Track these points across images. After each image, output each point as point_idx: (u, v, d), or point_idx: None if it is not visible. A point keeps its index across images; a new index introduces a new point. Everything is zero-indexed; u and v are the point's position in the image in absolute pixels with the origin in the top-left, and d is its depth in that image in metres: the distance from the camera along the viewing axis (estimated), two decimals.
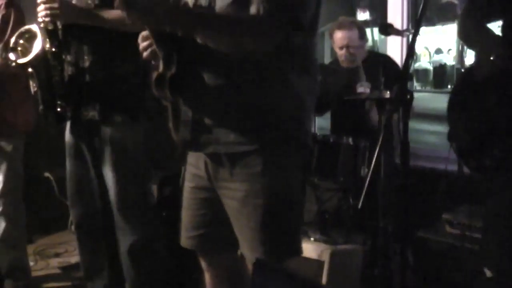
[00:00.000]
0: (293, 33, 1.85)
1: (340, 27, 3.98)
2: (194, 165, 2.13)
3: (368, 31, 4.25)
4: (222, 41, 1.85)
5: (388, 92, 3.11)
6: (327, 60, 7.99)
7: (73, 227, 3.28)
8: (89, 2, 2.73)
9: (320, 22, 2.01)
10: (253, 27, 1.83)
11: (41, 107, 2.74)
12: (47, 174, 4.39)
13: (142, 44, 1.97)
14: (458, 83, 2.61)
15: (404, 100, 1.97)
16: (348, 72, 3.80)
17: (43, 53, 2.68)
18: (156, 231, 2.95)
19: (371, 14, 17.47)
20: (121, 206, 2.82)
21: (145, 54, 1.97)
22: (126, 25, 2.57)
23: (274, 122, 1.94)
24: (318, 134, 3.52)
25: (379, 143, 2.20)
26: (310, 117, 2.06)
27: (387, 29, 3.36)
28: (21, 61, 2.68)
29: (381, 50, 4.94)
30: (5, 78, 3.22)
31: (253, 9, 1.83)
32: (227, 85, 1.92)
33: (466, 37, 2.62)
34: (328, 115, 4.13)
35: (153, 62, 1.98)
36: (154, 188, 3.37)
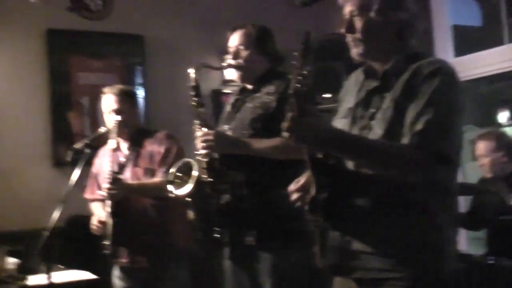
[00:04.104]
0: (439, 167, 1.91)
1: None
2: None
3: None
4: (371, 164, 1.99)
5: None
6: None
7: None
8: (244, 132, 2.88)
9: None
10: (401, 157, 1.93)
11: (198, 234, 2.86)
12: None
13: (295, 195, 2.12)
14: None
15: None
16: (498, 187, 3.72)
17: (200, 183, 2.83)
18: None
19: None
20: None
21: (297, 204, 2.12)
22: (279, 153, 2.72)
23: (417, 253, 1.99)
24: (473, 254, 3.39)
25: None
26: (452, 250, 2.08)
27: None
28: (179, 192, 2.84)
29: None
30: (164, 208, 3.45)
31: (404, 141, 1.94)
32: (377, 213, 2.00)
33: None
34: None
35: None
36: None
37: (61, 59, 4.80)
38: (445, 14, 5.10)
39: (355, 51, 2.14)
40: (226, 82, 5.18)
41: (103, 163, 3.66)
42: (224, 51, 3.10)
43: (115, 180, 3.38)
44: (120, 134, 3.58)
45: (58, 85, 4.79)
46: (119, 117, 3.52)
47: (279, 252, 2.79)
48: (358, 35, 2.10)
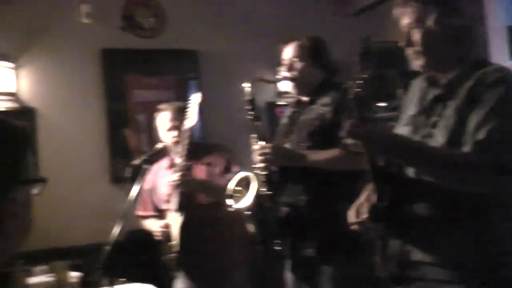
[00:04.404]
0: (500, 176, 1.87)
1: None
2: None
3: None
4: (431, 171, 1.97)
5: None
6: None
7: None
8: (302, 144, 2.88)
9: None
10: (462, 165, 1.90)
11: (259, 246, 2.86)
12: None
13: (353, 219, 2.15)
14: None
15: None
16: None
17: (258, 196, 2.84)
18: None
19: None
20: None
21: (354, 227, 2.14)
22: (336, 165, 2.71)
23: (479, 264, 1.94)
24: None
25: None
26: None
27: None
28: (239, 206, 2.85)
29: None
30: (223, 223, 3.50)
31: (466, 149, 1.91)
32: (437, 222, 1.98)
33: None
34: None
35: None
36: None
37: (116, 77, 4.91)
38: (499, 15, 4.98)
39: (417, 64, 2.11)
40: (281, 94, 5.20)
41: (158, 180, 3.71)
42: (278, 63, 3.11)
43: (184, 173, 3.40)
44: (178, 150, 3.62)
45: (114, 103, 4.90)
46: (175, 133, 3.58)
47: (340, 264, 2.77)
48: (418, 48, 2.07)
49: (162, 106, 3.72)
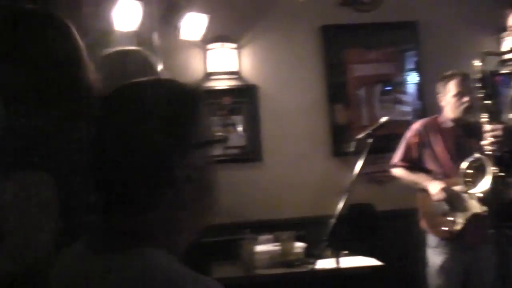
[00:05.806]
0: None
1: None
2: None
3: None
4: None
5: None
6: None
7: None
8: None
9: None
10: None
11: (491, 230, 2.78)
12: None
13: None
14: None
15: None
16: None
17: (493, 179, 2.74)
18: None
19: None
20: None
21: None
22: None
23: None
24: None
25: None
26: None
27: None
28: (473, 190, 2.78)
29: None
30: None
31: None
32: None
33: None
34: None
35: None
36: None
37: (336, 53, 4.97)
38: None
39: None
40: (504, 63, 4.92)
41: (439, 139, 3.73)
42: (502, 29, 2.94)
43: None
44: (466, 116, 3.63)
45: (334, 78, 4.98)
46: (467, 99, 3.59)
47: None
48: None
49: (447, 73, 3.76)
